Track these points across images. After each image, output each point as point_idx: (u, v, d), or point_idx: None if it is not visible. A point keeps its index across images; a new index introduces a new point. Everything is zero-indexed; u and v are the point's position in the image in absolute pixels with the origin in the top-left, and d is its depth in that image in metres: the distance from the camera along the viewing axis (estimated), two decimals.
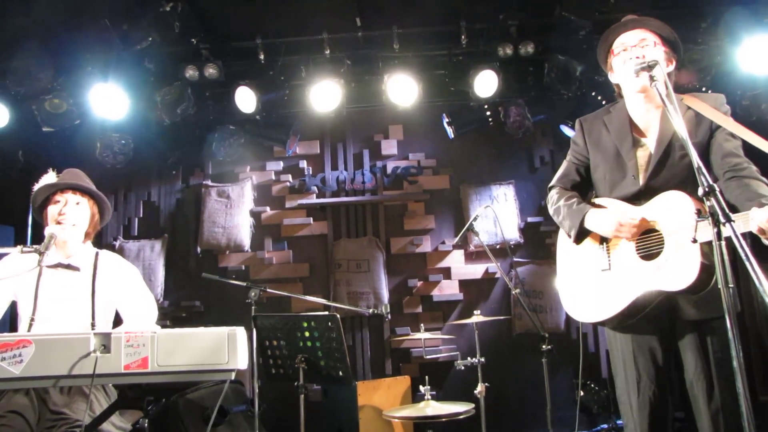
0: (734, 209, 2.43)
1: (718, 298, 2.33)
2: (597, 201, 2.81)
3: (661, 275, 2.44)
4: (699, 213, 1.92)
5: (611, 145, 2.75)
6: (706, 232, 2.23)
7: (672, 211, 2.44)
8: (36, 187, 3.23)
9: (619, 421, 5.23)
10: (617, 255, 2.65)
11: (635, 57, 2.58)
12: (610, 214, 2.61)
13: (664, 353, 2.61)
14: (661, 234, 2.48)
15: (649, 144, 2.66)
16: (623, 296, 2.56)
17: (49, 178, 3.25)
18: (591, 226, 2.69)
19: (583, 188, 2.94)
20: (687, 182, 2.49)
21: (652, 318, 2.58)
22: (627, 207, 2.63)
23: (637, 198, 2.63)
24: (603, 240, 2.72)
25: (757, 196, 2.33)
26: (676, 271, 2.38)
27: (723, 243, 1.82)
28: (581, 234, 2.74)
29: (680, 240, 2.37)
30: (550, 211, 2.95)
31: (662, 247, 2.46)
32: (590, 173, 2.90)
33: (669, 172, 2.57)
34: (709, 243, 2.14)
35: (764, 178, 2.45)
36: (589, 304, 2.72)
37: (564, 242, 2.94)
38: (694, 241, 2.22)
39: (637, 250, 2.57)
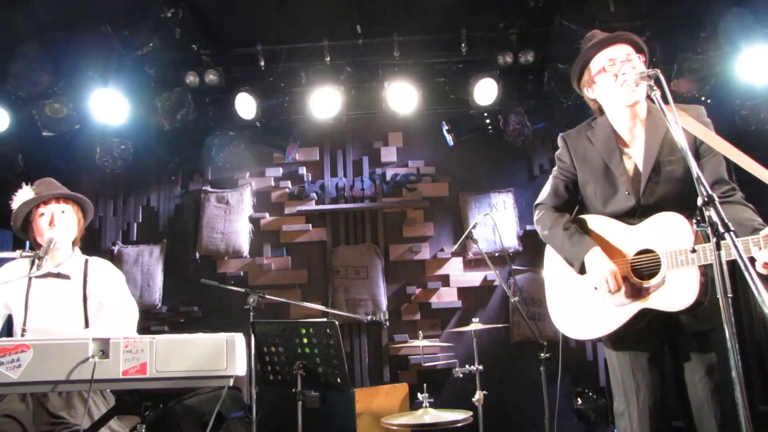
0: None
1: (718, 309, 2.35)
2: (590, 218, 2.79)
3: (660, 296, 2.45)
4: (698, 223, 1.92)
5: (599, 159, 2.73)
6: (704, 249, 2.28)
7: (668, 232, 2.45)
8: (14, 204, 3.16)
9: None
10: None
11: (632, 68, 2.58)
12: (604, 266, 2.58)
13: (662, 363, 2.61)
14: (656, 255, 2.48)
15: (636, 158, 2.65)
16: (618, 315, 2.56)
17: (26, 193, 3.17)
18: (588, 265, 2.66)
19: (571, 205, 2.93)
20: (683, 196, 2.51)
21: (649, 332, 2.59)
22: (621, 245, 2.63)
23: (632, 214, 2.63)
24: None
25: (747, 220, 2.38)
26: (675, 292, 2.39)
27: (722, 253, 1.82)
28: (582, 269, 2.72)
29: (677, 261, 2.38)
30: (542, 232, 2.90)
31: (658, 268, 2.47)
32: (578, 189, 2.88)
33: (663, 187, 2.57)
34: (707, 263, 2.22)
35: (750, 205, 2.50)
36: (582, 321, 2.71)
37: (553, 258, 2.91)
38: (693, 250, 2.23)
39: (633, 269, 2.57)
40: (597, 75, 2.71)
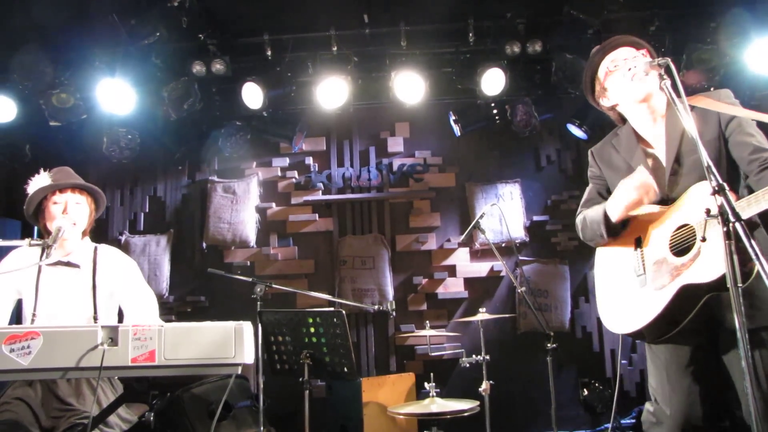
0: None
1: (765, 303, 2.25)
2: None
3: (695, 269, 2.30)
4: (708, 212, 1.90)
5: (623, 163, 2.70)
6: (715, 232, 2.17)
7: (702, 201, 2.31)
8: (30, 188, 3.18)
9: (623, 421, 5.23)
10: (651, 256, 2.53)
11: (633, 57, 2.55)
12: (621, 186, 2.50)
13: (702, 367, 2.47)
14: (692, 227, 2.37)
15: (658, 153, 2.61)
16: (659, 298, 2.43)
17: (43, 179, 3.20)
18: (614, 211, 2.57)
19: None
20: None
21: (690, 330, 2.43)
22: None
23: (664, 203, 2.55)
24: (638, 244, 2.61)
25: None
26: (708, 262, 2.25)
27: (733, 242, 1.81)
28: (610, 229, 2.63)
29: (710, 230, 2.22)
30: (581, 235, 2.85)
31: (694, 240, 2.34)
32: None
33: (687, 178, 2.49)
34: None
35: None
36: (624, 312, 2.60)
37: (601, 257, 2.83)
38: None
39: (671, 246, 2.45)
40: (606, 80, 2.69)
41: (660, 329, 2.49)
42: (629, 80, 2.54)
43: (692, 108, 2.47)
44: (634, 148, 2.67)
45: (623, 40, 2.68)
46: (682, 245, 2.42)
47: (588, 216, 2.75)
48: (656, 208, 2.57)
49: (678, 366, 2.50)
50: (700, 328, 2.43)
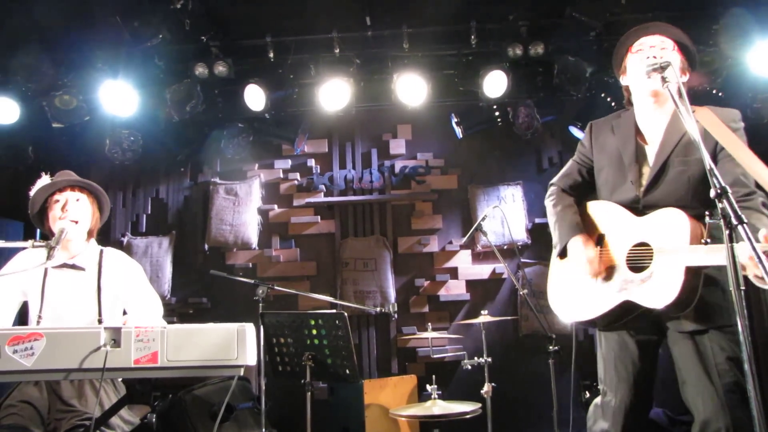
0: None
1: (713, 308, 2.38)
2: (595, 204, 2.81)
3: (644, 290, 2.43)
4: (711, 215, 1.90)
5: (615, 149, 2.74)
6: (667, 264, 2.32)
7: (666, 228, 2.42)
8: (32, 191, 3.22)
9: None
10: (607, 259, 2.65)
11: (651, 57, 2.55)
12: (583, 254, 2.63)
13: (646, 363, 2.60)
14: (651, 249, 2.46)
15: (650, 153, 2.64)
16: (609, 300, 2.56)
17: (45, 181, 3.24)
18: (569, 251, 2.72)
19: (583, 190, 2.93)
20: (686, 197, 2.49)
21: (639, 324, 2.58)
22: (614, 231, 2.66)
23: (635, 204, 2.62)
24: (598, 242, 2.71)
25: (753, 230, 2.26)
26: (658, 289, 2.37)
27: (735, 245, 1.81)
28: (563, 252, 2.78)
29: (668, 259, 2.35)
30: (547, 210, 2.97)
31: (650, 262, 2.44)
32: (593, 176, 2.89)
33: (667, 186, 2.55)
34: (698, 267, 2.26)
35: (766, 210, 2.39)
36: (576, 303, 2.72)
37: None
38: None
39: (627, 259, 2.56)
40: (627, 58, 2.72)
41: (609, 321, 2.64)
42: (644, 69, 2.51)
43: (696, 122, 2.48)
44: (630, 139, 2.70)
45: (663, 28, 2.68)
46: (637, 262, 2.53)
47: (558, 216, 2.85)
48: (625, 214, 2.64)
49: (627, 354, 2.62)
50: (648, 325, 2.58)
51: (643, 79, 2.51)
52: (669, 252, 2.36)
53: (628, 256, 2.56)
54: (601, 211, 2.77)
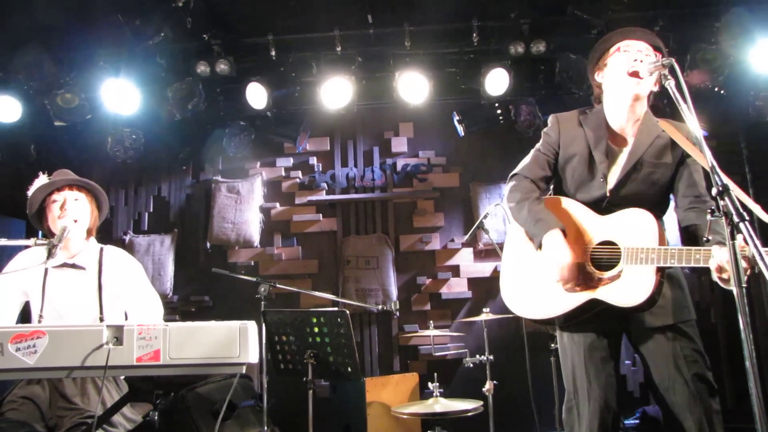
0: (692, 237, 2.50)
1: (678, 304, 2.47)
2: (552, 199, 2.76)
3: (612, 289, 2.44)
4: (713, 212, 1.90)
5: (584, 146, 2.71)
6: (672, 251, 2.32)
7: (635, 228, 2.46)
8: (30, 191, 3.22)
9: (627, 421, 5.22)
10: None
11: (639, 60, 2.55)
12: (561, 257, 2.50)
13: (613, 359, 2.60)
14: (618, 248, 2.46)
15: (621, 152, 2.66)
16: (571, 298, 2.54)
17: (42, 181, 3.24)
18: (545, 246, 2.58)
19: (546, 182, 2.86)
20: (652, 200, 2.57)
21: (602, 320, 2.55)
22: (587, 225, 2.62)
23: (600, 202, 2.63)
24: None
25: (715, 232, 2.27)
26: (628, 288, 2.39)
27: (736, 243, 1.81)
28: (540, 246, 2.65)
29: (637, 258, 2.37)
30: (509, 204, 2.81)
31: (617, 262, 2.45)
32: (556, 168, 2.84)
33: (636, 186, 2.60)
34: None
35: (715, 217, 2.41)
36: (532, 300, 2.67)
37: (515, 234, 2.83)
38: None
39: (592, 257, 2.55)
40: (611, 56, 2.69)
41: (568, 320, 2.62)
42: (627, 70, 2.55)
43: (662, 131, 2.58)
44: (601, 138, 2.69)
45: (648, 36, 2.69)
46: (603, 260, 2.53)
47: (528, 210, 2.68)
48: (586, 211, 2.65)
49: (596, 353, 2.59)
50: (612, 322, 2.58)
51: (626, 79, 2.54)
52: (638, 250, 2.38)
53: (592, 255, 2.55)
54: (560, 207, 2.73)
